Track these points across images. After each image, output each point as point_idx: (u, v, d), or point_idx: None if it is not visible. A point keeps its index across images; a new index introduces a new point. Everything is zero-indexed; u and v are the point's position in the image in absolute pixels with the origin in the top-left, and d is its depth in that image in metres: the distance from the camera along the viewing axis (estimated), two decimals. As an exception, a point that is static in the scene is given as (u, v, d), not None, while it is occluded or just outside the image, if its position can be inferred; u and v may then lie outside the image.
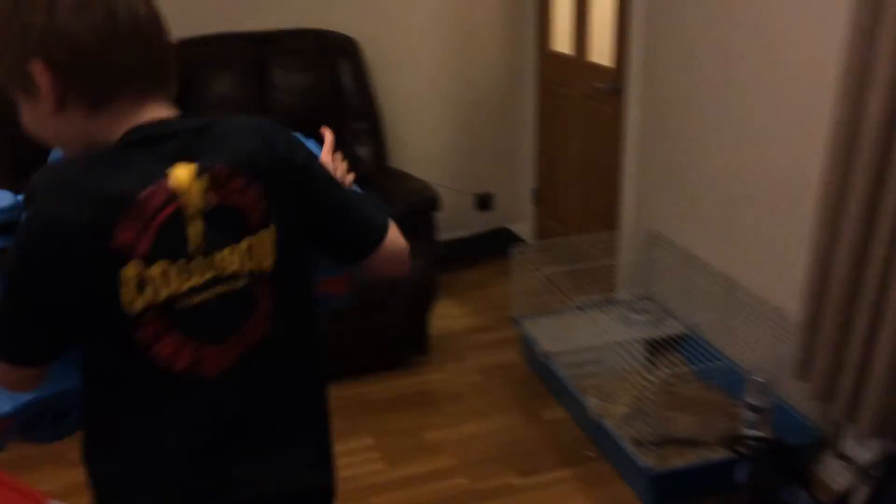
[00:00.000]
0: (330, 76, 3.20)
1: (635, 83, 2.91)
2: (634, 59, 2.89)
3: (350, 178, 1.21)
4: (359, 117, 3.27)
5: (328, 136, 1.25)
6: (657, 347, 2.70)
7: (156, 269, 0.91)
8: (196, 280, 0.94)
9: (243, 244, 0.97)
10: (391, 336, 2.88)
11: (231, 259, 0.96)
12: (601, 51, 3.16)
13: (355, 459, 2.45)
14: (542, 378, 2.82)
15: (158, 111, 0.97)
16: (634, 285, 3.00)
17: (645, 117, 2.91)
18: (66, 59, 0.89)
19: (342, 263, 1.16)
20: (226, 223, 0.95)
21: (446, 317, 3.27)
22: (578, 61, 3.32)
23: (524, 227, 3.95)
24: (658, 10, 2.75)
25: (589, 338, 2.65)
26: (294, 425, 1.09)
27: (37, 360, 0.98)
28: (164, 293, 0.92)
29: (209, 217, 0.94)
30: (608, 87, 3.08)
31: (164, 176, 0.91)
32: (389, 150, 3.39)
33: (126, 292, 0.90)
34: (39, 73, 0.89)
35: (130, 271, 0.90)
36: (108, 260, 0.89)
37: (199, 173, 0.93)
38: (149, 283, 0.91)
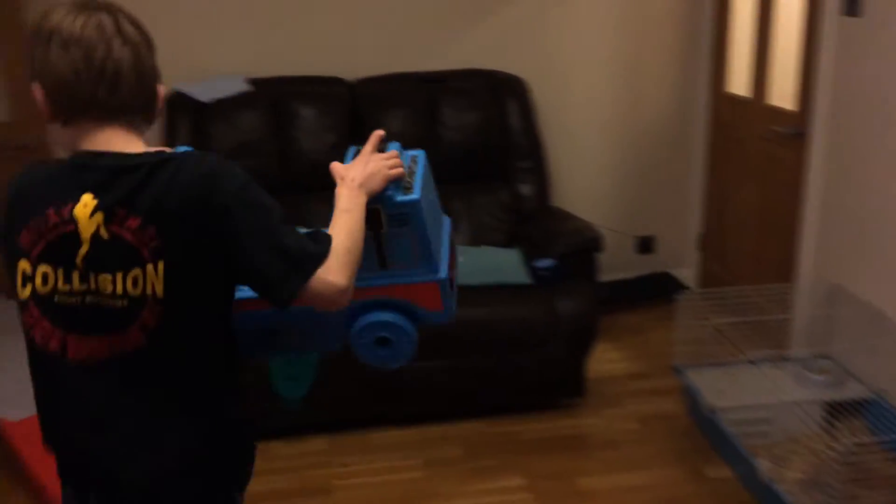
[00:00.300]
0: (498, 115, 3.25)
1: (821, 128, 2.75)
2: (820, 103, 2.73)
3: (396, 172, 1.30)
4: (524, 156, 3.30)
5: (374, 134, 1.37)
6: (836, 411, 2.50)
7: (39, 271, 1.17)
8: (73, 287, 1.16)
9: (132, 273, 1.15)
10: (547, 375, 2.84)
11: (111, 282, 1.15)
12: (782, 93, 3.02)
13: (507, 499, 2.42)
14: (705, 433, 2.69)
15: (113, 139, 1.19)
16: (811, 342, 2.80)
17: (830, 163, 2.74)
18: (50, 85, 1.17)
19: (264, 299, 1.22)
20: (116, 252, 1.15)
21: (604, 360, 3.19)
22: (756, 103, 3.19)
23: (687, 273, 3.81)
24: (848, 52, 2.59)
25: (760, 395, 2.50)
26: (157, 427, 1.22)
27: None
28: (42, 291, 1.17)
29: (98, 244, 1.15)
30: (789, 131, 2.93)
31: (75, 201, 1.15)
32: (553, 189, 3.39)
33: (18, 281, 1.19)
34: (37, 92, 1.18)
35: (22, 265, 1.19)
36: (15, 250, 1.19)
37: (97, 209, 1.14)
38: (29, 281, 1.18)
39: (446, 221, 1.49)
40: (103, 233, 1.14)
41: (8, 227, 1.21)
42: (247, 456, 1.35)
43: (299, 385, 2.49)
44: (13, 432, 2.42)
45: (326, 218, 2.52)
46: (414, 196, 1.29)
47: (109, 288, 1.16)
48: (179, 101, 3.01)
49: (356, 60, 3.30)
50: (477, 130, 3.23)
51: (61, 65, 1.14)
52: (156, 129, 3.02)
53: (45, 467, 2.27)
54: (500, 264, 2.93)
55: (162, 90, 1.27)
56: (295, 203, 3.08)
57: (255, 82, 3.13)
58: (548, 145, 3.38)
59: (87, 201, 1.15)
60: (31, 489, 2.29)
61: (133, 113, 1.21)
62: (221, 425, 1.28)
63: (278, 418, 2.60)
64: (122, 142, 1.19)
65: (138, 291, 1.15)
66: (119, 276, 1.15)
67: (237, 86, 3.08)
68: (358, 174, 1.28)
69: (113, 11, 1.18)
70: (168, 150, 1.23)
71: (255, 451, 1.37)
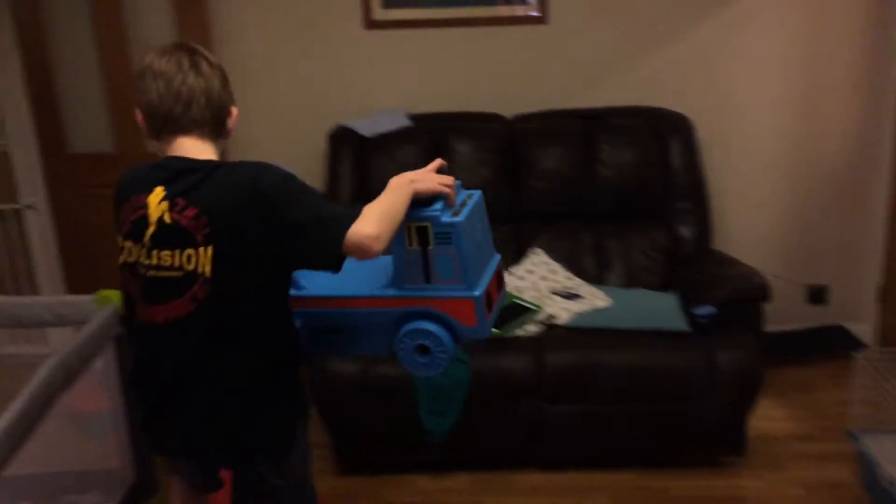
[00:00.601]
0: (658, 153, 3.14)
1: None
2: None
3: (445, 188, 1.48)
4: (684, 196, 3.16)
5: (437, 161, 1.57)
6: None
7: (127, 243, 1.52)
8: (144, 260, 1.49)
9: (186, 252, 1.44)
10: (703, 430, 2.67)
11: (169, 257, 1.46)
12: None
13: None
14: (882, 507, 2.42)
15: (186, 147, 1.52)
16: None
17: None
18: (144, 108, 1.53)
19: (318, 268, 1.48)
20: (175, 234, 1.45)
21: (767, 417, 2.97)
22: (951, 146, 2.90)
23: (864, 328, 3.49)
24: None
25: (951, 470, 2.23)
26: (213, 384, 1.49)
27: None
28: (128, 259, 1.52)
29: (162, 226, 1.46)
30: None
31: (150, 192, 1.48)
32: (714, 232, 3.22)
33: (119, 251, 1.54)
34: (138, 115, 1.54)
35: (118, 239, 1.54)
36: (117, 226, 1.55)
37: (164, 199, 1.47)
38: (121, 251, 1.53)
39: (497, 257, 1.67)
40: (167, 217, 1.46)
41: (115, 209, 1.57)
42: (299, 413, 1.65)
43: (445, 420, 2.51)
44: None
45: None
46: (459, 219, 1.47)
47: (168, 262, 1.46)
48: (344, 135, 3.13)
49: (515, 97, 3.30)
50: (636, 169, 3.13)
51: (151, 92, 1.50)
52: (319, 159, 3.17)
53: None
54: (656, 309, 2.80)
55: (234, 111, 1.58)
56: (448, 237, 3.11)
57: (415, 118, 3.20)
58: (711, 185, 3.23)
59: (158, 192, 1.48)
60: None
61: (202, 127, 1.53)
62: (270, 389, 1.54)
63: (422, 451, 2.62)
64: (192, 150, 1.52)
65: (191, 268, 1.45)
66: (176, 254, 1.45)
67: (398, 121, 3.17)
68: (411, 173, 1.49)
69: (191, 51, 1.53)
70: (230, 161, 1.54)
71: (307, 412, 1.69)
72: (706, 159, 3.24)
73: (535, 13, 3.27)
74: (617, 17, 3.27)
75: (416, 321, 1.52)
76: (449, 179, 1.50)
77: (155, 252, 1.47)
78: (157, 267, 1.47)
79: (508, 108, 3.26)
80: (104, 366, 2.17)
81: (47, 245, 3.39)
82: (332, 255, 1.39)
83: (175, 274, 1.45)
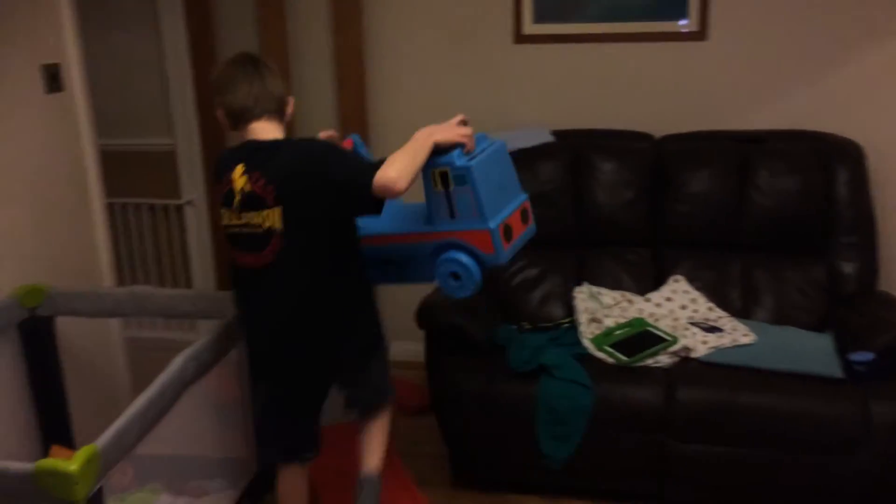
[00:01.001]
0: (822, 182, 2.89)
1: None
2: None
3: (463, 136, 1.83)
4: (849, 230, 2.90)
5: (458, 116, 1.93)
6: None
7: (224, 210, 1.94)
8: (235, 222, 1.92)
9: (262, 213, 1.86)
10: (854, 487, 2.41)
11: (252, 218, 1.88)
12: None
13: None
14: None
15: (263, 130, 1.94)
16: None
17: None
18: (226, 107, 1.95)
19: (362, 214, 1.92)
20: (254, 200, 1.87)
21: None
22: None
23: None
24: None
25: None
26: (297, 315, 1.93)
27: None
28: (226, 222, 1.94)
29: (243, 195, 1.88)
30: None
31: (233, 169, 1.90)
32: (881, 272, 2.93)
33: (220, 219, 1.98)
34: (219, 113, 1.98)
35: (219, 209, 1.96)
36: (217, 198, 1.99)
37: (244, 173, 1.88)
38: (222, 216, 1.95)
39: (522, 196, 2.02)
40: (247, 188, 1.87)
41: (215, 184, 2.00)
42: (371, 341, 2.12)
43: (565, 446, 2.44)
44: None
45: (615, 275, 2.64)
46: (472, 163, 1.79)
47: (252, 221, 1.88)
48: (485, 148, 3.11)
49: (665, 116, 3.17)
50: (795, 197, 2.90)
51: (229, 94, 1.93)
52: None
53: (320, 474, 2.42)
54: (806, 350, 2.58)
55: (291, 100, 2.01)
56: (584, 256, 3.02)
57: (559, 134, 3.14)
58: (881, 221, 2.94)
59: (239, 169, 1.89)
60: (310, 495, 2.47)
61: (269, 115, 1.94)
62: (348, 314, 2.01)
63: (539, 474, 2.55)
64: (263, 133, 1.93)
65: (267, 225, 1.86)
66: (256, 215, 1.87)
67: (541, 137, 3.12)
68: (432, 126, 1.85)
69: (254, 59, 1.97)
70: (346, 142, 2.10)
71: (383, 331, 2.15)
72: (879, 192, 2.96)
73: (693, 29, 3.13)
74: (783, 34, 3.06)
75: (448, 251, 1.88)
76: (468, 130, 1.85)
77: (243, 215, 1.89)
78: (246, 226, 1.89)
79: (657, 127, 3.13)
80: (237, 359, 2.27)
81: (202, 240, 3.61)
82: (368, 199, 1.77)
83: (258, 230, 1.88)
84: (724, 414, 2.41)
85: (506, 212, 1.89)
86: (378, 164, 1.75)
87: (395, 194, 1.73)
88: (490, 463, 2.62)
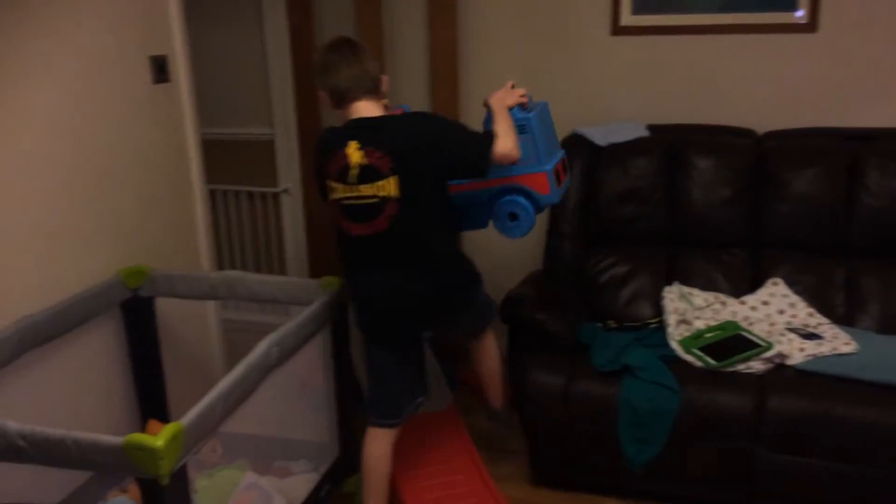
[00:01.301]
0: (943, 185, 2.71)
1: None
2: None
3: (522, 97, 2.18)
4: (971, 236, 2.70)
5: (508, 82, 2.23)
6: None
7: (335, 185, 2.11)
8: (350, 194, 2.08)
9: (378, 184, 2.04)
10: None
11: (367, 189, 2.06)
12: None
13: None
14: None
15: (366, 109, 2.12)
16: None
17: None
18: (328, 88, 2.13)
19: (471, 177, 2.20)
20: (369, 172, 2.05)
21: None
22: None
23: None
24: None
25: None
26: (407, 273, 2.14)
27: None
28: (336, 196, 2.12)
29: (361, 168, 2.05)
30: None
31: (347, 146, 2.06)
32: None
33: (328, 192, 2.16)
34: (322, 95, 2.16)
35: (328, 182, 2.13)
36: (323, 174, 2.15)
37: (358, 148, 2.05)
38: (331, 191, 2.13)
39: (561, 152, 2.34)
40: (363, 161, 2.04)
41: (319, 161, 2.17)
42: (472, 277, 2.36)
43: (647, 449, 2.38)
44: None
45: (708, 276, 2.94)
46: (530, 115, 2.15)
47: (368, 192, 2.06)
48: (576, 143, 3.06)
49: (769, 111, 3.03)
50: (908, 200, 2.72)
51: (332, 77, 2.11)
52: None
53: (399, 465, 2.46)
54: (915, 362, 2.42)
55: (385, 79, 2.18)
56: (675, 255, 2.93)
57: (654, 129, 3.05)
58: None
59: (353, 145, 2.06)
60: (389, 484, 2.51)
61: (368, 94, 2.12)
62: (453, 259, 2.29)
63: (619, 476, 2.50)
64: (367, 110, 2.11)
65: (384, 193, 2.05)
66: (373, 185, 2.05)
67: (636, 132, 3.04)
68: (499, 94, 2.18)
69: (350, 43, 2.14)
70: (397, 111, 2.23)
71: (478, 274, 2.38)
72: None
73: (802, 21, 2.98)
74: (899, 26, 2.87)
75: (507, 195, 2.21)
76: (523, 90, 2.19)
77: (359, 187, 2.06)
78: (361, 197, 2.07)
79: (760, 123, 3.00)
80: (322, 344, 2.33)
81: (297, 227, 3.72)
82: (482, 168, 2.08)
83: (374, 200, 2.06)
84: (820, 426, 2.29)
85: (555, 159, 2.23)
86: (485, 136, 2.08)
87: (513, 162, 2.08)
88: (570, 462, 2.59)
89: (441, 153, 2.06)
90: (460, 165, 2.09)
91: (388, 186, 2.04)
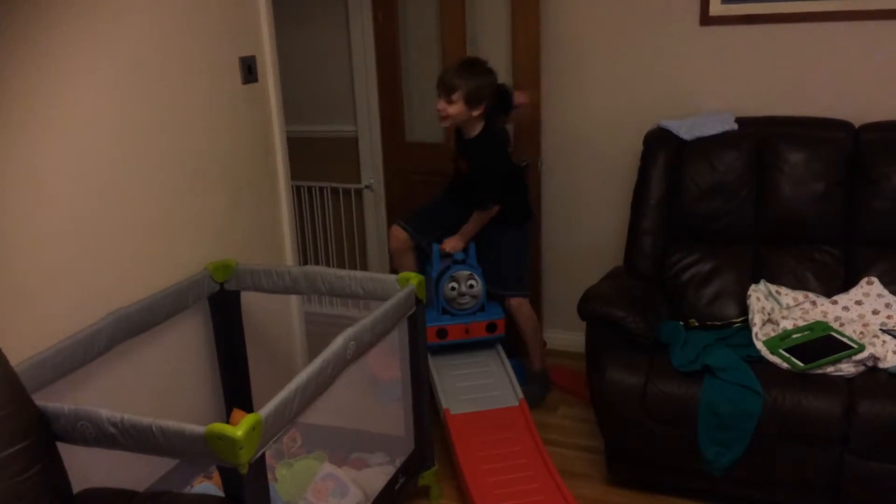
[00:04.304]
0: None
1: None
2: None
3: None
4: None
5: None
6: None
7: None
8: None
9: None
10: None
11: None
12: None
13: None
14: None
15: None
16: None
17: None
18: (464, 98, 2.80)
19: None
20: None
21: None
22: None
23: None
24: None
25: None
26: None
27: None
28: None
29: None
30: None
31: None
32: None
33: None
34: (457, 97, 2.80)
35: None
36: None
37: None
38: None
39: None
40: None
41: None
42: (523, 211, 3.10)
43: (728, 452, 2.32)
44: (452, 424, 2.69)
45: (798, 274, 2.87)
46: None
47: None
48: (660, 136, 2.99)
49: (868, 103, 2.88)
50: None
51: (460, 87, 2.77)
52: (633, 159, 3.07)
53: (468, 460, 2.48)
54: None
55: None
56: (763, 253, 2.84)
57: (742, 121, 2.95)
58: None
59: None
60: (459, 479, 2.53)
61: (491, 99, 2.86)
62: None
63: (698, 479, 2.44)
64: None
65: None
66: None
67: (723, 124, 2.95)
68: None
69: (472, 60, 2.89)
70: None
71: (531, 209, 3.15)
72: None
73: (905, 5, 2.81)
74: None
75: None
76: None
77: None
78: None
79: (857, 115, 2.85)
80: (399, 339, 2.37)
81: (378, 223, 3.78)
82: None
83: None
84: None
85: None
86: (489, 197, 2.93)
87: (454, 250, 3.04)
88: (646, 462, 2.54)
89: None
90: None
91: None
